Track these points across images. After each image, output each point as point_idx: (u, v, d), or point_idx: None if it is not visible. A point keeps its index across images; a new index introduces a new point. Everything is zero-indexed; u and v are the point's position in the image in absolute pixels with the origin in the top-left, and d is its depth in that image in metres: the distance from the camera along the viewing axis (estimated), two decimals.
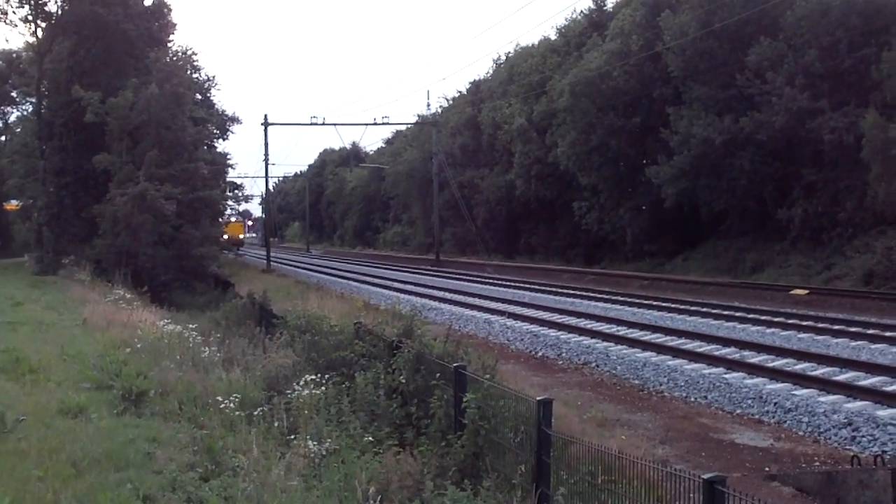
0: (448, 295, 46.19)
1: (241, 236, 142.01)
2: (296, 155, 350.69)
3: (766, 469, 14.75)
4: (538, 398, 10.88)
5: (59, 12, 59.53)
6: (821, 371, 21.43)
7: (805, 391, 19.26)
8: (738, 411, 18.98)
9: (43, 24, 59.91)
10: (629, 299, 41.03)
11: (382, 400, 15.10)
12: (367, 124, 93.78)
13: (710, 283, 48.26)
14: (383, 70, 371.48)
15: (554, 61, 76.60)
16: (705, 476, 7.73)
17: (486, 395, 12.46)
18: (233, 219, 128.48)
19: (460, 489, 10.79)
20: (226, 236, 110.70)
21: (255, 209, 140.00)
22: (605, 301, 41.19)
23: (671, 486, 8.54)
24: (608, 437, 15.24)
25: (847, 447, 16.01)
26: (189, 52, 64.71)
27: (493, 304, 40.23)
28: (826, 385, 19.60)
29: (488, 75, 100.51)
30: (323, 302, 34.00)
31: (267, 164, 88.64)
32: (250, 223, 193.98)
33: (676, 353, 24.85)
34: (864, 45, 46.89)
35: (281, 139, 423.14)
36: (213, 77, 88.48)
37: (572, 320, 33.35)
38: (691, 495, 8.11)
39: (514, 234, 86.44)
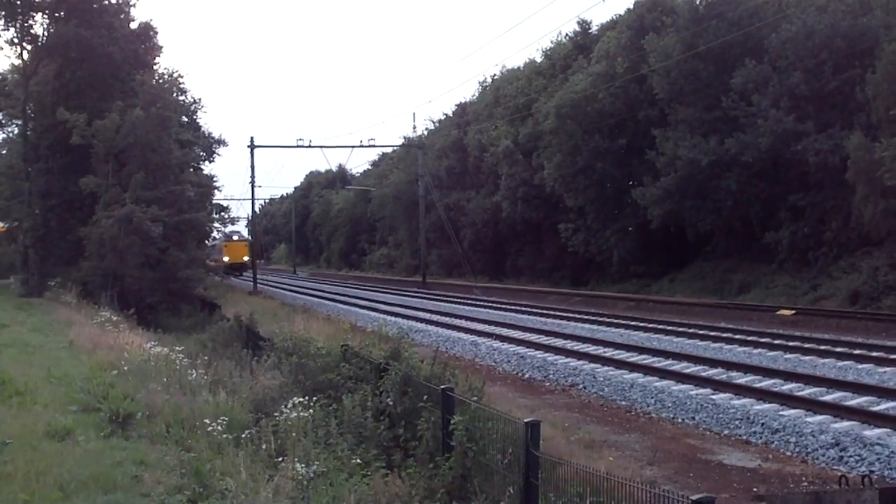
0: (435, 317, 46.18)
1: (246, 258, 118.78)
2: (282, 177, 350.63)
3: (755, 490, 14.75)
4: (526, 420, 10.89)
5: (45, 35, 59.49)
6: (808, 391, 21.47)
7: (792, 411, 19.27)
8: (726, 432, 18.99)
9: (29, 47, 59.84)
10: (616, 321, 41.05)
11: (370, 422, 15.10)
12: (353, 146, 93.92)
13: (697, 304, 48.31)
14: (369, 93, 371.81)
15: (539, 84, 76.77)
16: (694, 497, 7.74)
17: (474, 417, 12.47)
18: (234, 237, 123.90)
19: None
20: (225, 258, 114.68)
21: (242, 231, 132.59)
22: (592, 322, 41.22)
23: None
24: (596, 459, 15.24)
25: (835, 467, 16.01)
26: (175, 75, 64.90)
27: (479, 326, 40.22)
28: (813, 405, 19.62)
29: (474, 98, 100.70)
30: (309, 324, 33.92)
31: (253, 187, 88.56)
32: None
33: (664, 374, 24.86)
34: (849, 67, 47.09)
35: (267, 161, 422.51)
36: (200, 99, 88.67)
37: (559, 342, 33.36)
38: None
39: (501, 256, 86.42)
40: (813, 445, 17.14)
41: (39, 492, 10.92)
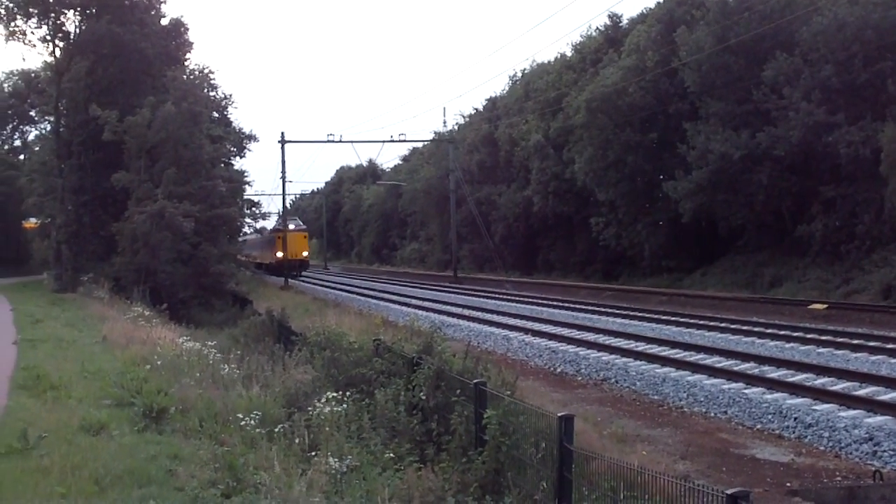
0: (466, 311, 46.10)
1: (306, 253, 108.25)
2: (313, 172, 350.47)
3: (788, 484, 14.70)
4: (559, 414, 10.89)
5: (77, 32, 59.87)
6: (841, 386, 21.36)
7: (825, 406, 19.18)
8: (759, 426, 18.94)
9: (61, 44, 60.26)
10: (648, 315, 40.95)
11: (403, 416, 15.11)
12: (383, 141, 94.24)
13: (729, 299, 48.12)
14: (400, 88, 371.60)
15: (570, 78, 76.53)
16: (729, 491, 7.72)
17: (507, 412, 12.49)
18: (291, 225, 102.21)
19: None
20: (279, 254, 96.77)
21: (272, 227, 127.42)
22: (624, 317, 41.06)
23: (693, 502, 8.51)
24: (629, 453, 15.22)
25: (868, 462, 15.95)
26: (206, 71, 64.95)
27: (511, 321, 40.13)
28: (846, 400, 19.51)
29: (504, 92, 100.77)
30: (341, 319, 33.97)
31: (284, 182, 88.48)
32: None
33: (696, 368, 24.77)
34: (880, 60, 46.80)
35: (298, 156, 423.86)
36: (230, 95, 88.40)
37: (591, 336, 33.30)
38: None
39: (532, 251, 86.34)
40: (846, 440, 17.05)
41: (75, 485, 10.96)
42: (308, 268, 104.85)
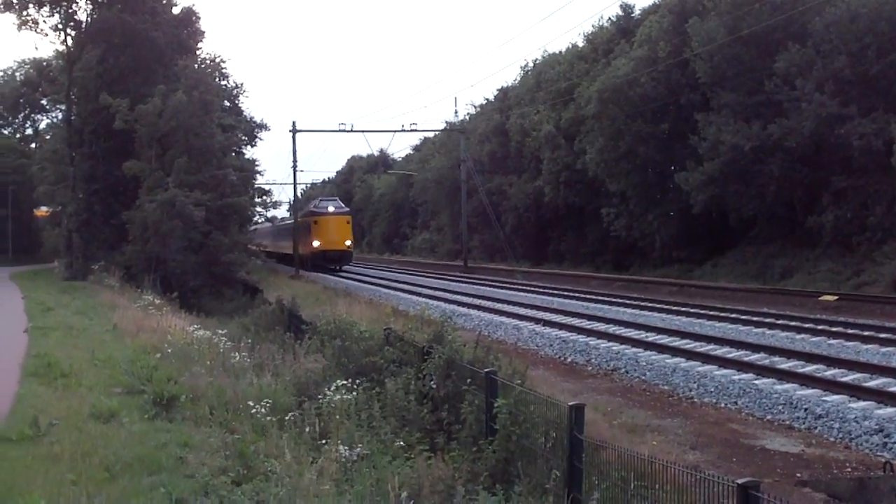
0: (477, 301, 46.04)
1: (349, 242, 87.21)
2: (324, 161, 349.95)
3: (798, 475, 14.70)
4: (570, 403, 10.91)
5: (89, 21, 60.01)
6: (851, 377, 21.32)
7: (836, 397, 19.14)
8: (769, 417, 18.93)
9: (73, 33, 60.45)
10: (658, 305, 40.91)
11: (413, 405, 15.13)
12: (395, 131, 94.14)
13: (739, 290, 48.04)
14: (411, 77, 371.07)
15: (581, 68, 76.52)
16: (740, 481, 7.72)
17: (518, 401, 12.49)
18: (330, 206, 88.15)
19: (492, 494, 10.80)
20: (315, 243, 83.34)
21: (283, 216, 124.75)
22: (634, 307, 41.01)
23: (704, 492, 8.53)
24: (639, 443, 15.23)
25: (879, 453, 15.93)
26: (217, 60, 65.12)
27: (521, 311, 40.09)
28: (857, 391, 19.48)
29: (516, 82, 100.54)
30: (351, 308, 34.05)
31: (295, 171, 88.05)
32: None
33: (706, 358, 24.73)
34: (893, 51, 46.64)
35: (309, 146, 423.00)
36: (242, 84, 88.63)
37: (601, 326, 33.28)
38: (724, 501, 8.10)
39: (543, 241, 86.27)
40: (857, 431, 17.03)
41: (86, 472, 11.02)
42: (351, 260, 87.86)
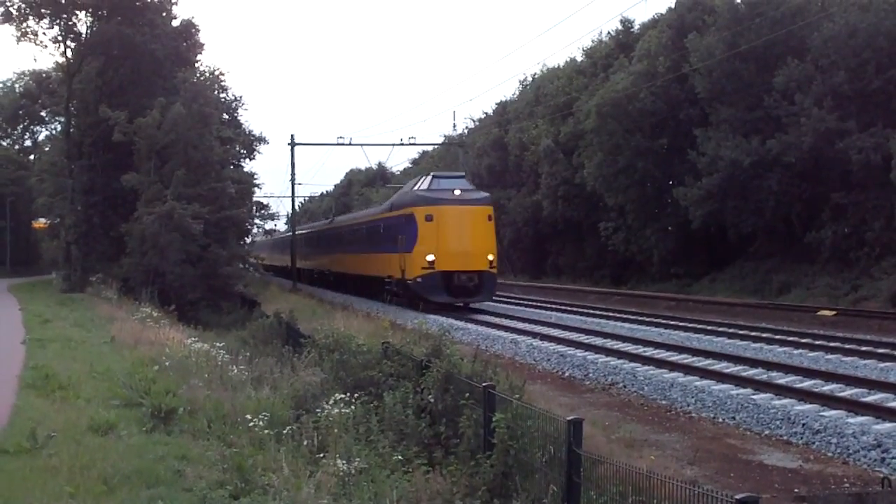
0: (474, 315, 45.97)
1: (490, 256, 47.99)
2: (322, 175, 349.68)
3: (796, 490, 14.70)
4: (568, 418, 10.91)
5: (88, 33, 60.04)
6: (849, 392, 21.31)
7: (833, 412, 19.12)
8: (767, 432, 18.92)
9: (72, 45, 60.48)
10: (656, 320, 40.86)
11: (411, 419, 15.16)
12: (393, 145, 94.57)
13: (738, 305, 48.04)
14: (410, 91, 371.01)
15: (580, 83, 76.57)
16: (738, 496, 7.74)
17: (515, 415, 12.50)
18: (456, 190, 48.45)
19: None
20: (429, 257, 47.12)
21: (282, 229, 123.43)
22: (632, 322, 41.00)
23: None
24: (637, 458, 15.20)
25: (877, 469, 15.91)
26: (216, 72, 64.94)
27: (519, 325, 40.07)
28: (854, 406, 19.45)
29: (515, 96, 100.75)
30: (349, 321, 34.06)
31: (293, 184, 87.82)
32: None
33: (704, 373, 24.71)
34: (892, 66, 46.87)
35: (307, 159, 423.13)
36: (241, 97, 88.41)
37: (599, 340, 33.24)
38: None
39: (541, 255, 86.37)
40: (854, 446, 17.01)
41: (84, 485, 11.00)
42: (494, 292, 51.07)
